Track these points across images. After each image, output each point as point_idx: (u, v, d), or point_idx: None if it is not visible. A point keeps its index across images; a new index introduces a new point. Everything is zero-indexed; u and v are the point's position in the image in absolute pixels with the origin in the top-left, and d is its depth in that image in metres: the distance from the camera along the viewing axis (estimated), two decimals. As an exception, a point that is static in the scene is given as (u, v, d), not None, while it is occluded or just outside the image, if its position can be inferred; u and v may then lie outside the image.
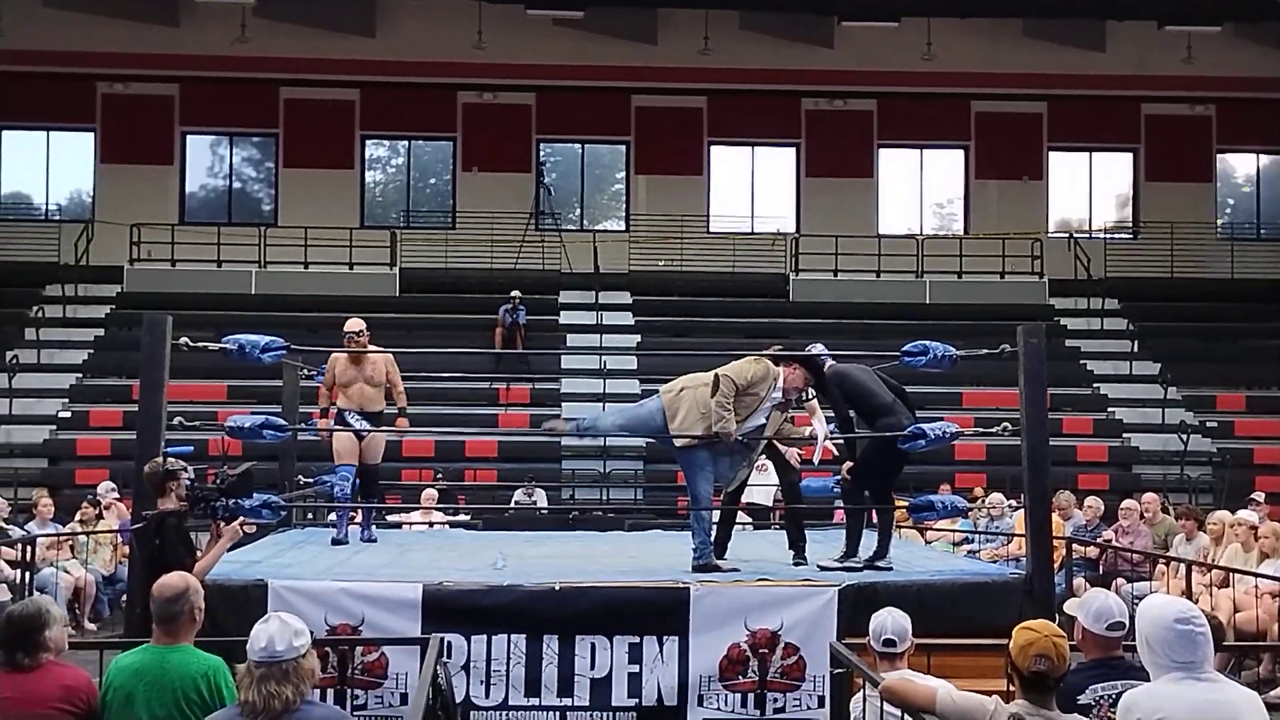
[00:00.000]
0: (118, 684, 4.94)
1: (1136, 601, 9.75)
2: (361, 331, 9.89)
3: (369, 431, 9.79)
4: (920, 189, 26.49)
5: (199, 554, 6.73)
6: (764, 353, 8.52)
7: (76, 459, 18.80)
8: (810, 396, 8.53)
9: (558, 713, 7.22)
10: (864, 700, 5.56)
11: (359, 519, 10.44)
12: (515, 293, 21.69)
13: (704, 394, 8.11)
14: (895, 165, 26.38)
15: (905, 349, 8.66)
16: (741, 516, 10.62)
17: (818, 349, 8.70)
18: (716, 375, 8.03)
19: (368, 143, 26.01)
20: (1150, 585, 10.63)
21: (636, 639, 7.29)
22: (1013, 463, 8.97)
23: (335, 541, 9.72)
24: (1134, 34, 24.76)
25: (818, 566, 8.19)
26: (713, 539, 8.40)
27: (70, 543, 12.59)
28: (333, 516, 10.41)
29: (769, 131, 25.82)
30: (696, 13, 24.23)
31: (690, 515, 8.39)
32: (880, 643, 5.77)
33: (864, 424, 8.42)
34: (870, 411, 8.36)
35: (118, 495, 13.61)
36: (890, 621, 5.79)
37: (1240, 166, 27.52)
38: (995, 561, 11.80)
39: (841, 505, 10.15)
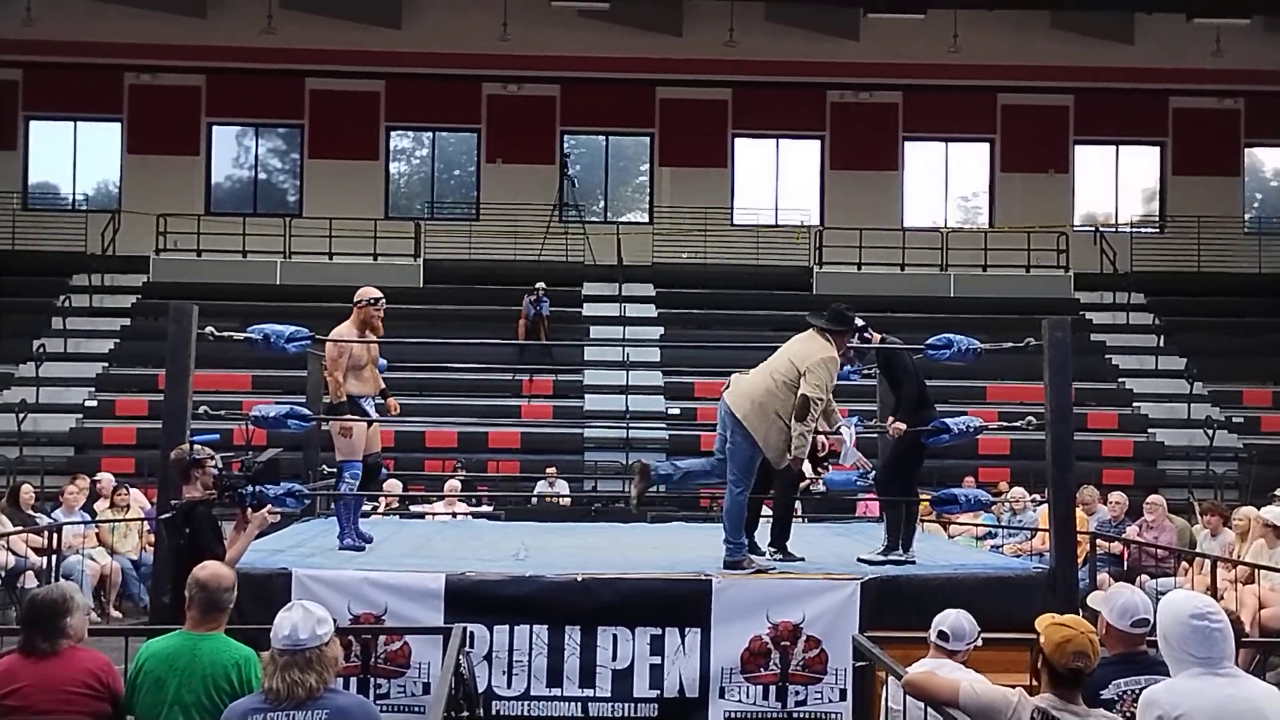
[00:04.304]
0: (149, 668, 4.99)
1: (1161, 597, 9.75)
2: (383, 300, 8.90)
3: (380, 420, 8.91)
4: (945, 182, 26.39)
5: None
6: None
7: (102, 448, 18.93)
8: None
9: (579, 703, 7.23)
10: (887, 691, 5.57)
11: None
12: (539, 284, 21.70)
13: (775, 404, 7.54)
14: (920, 158, 26.28)
15: (929, 342, 8.62)
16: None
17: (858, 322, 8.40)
18: (804, 399, 7.41)
19: (392, 134, 26.07)
20: (1175, 581, 10.57)
21: (658, 630, 7.29)
22: (1037, 457, 8.93)
23: (353, 546, 8.69)
24: (1162, 26, 24.60)
25: (858, 560, 8.15)
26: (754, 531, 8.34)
27: (96, 531, 12.68)
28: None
29: (794, 124, 25.75)
30: (722, 4, 24.16)
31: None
32: (936, 635, 5.80)
33: (903, 408, 8.33)
34: (915, 397, 8.32)
35: (116, 485, 13.67)
36: (954, 618, 5.82)
37: (1268, 160, 27.32)
38: (1018, 556, 11.77)
39: (864, 498, 10.15)
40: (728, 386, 7.79)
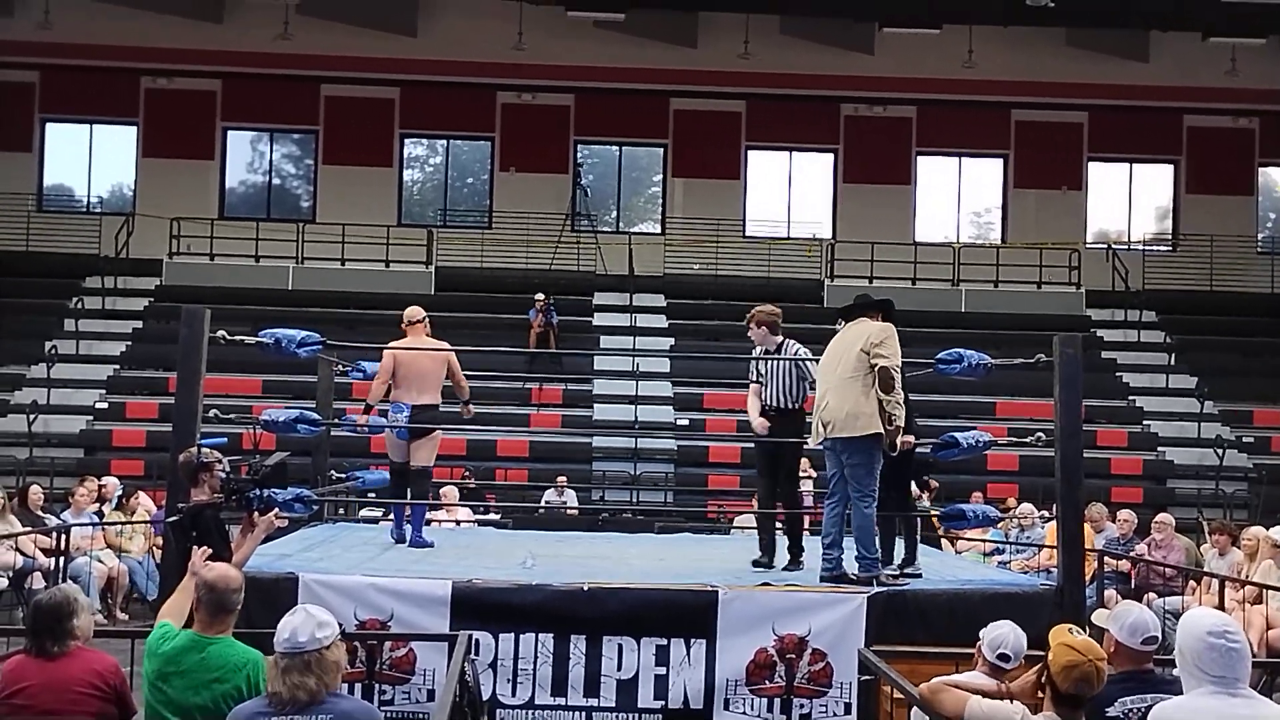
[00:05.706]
0: (156, 667, 4.98)
1: (1168, 616, 9.72)
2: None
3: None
4: (958, 197, 26.38)
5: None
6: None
7: (112, 450, 18.96)
8: None
9: (583, 713, 7.22)
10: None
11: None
12: (539, 295, 21.66)
13: (853, 390, 7.47)
14: (933, 173, 26.27)
15: (939, 357, 8.64)
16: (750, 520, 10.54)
17: None
18: (885, 370, 7.37)
19: (406, 141, 26.13)
20: (1183, 600, 10.55)
21: (664, 641, 7.27)
22: (1045, 474, 8.93)
23: (419, 544, 9.38)
24: (1177, 45, 24.57)
25: (850, 575, 8.11)
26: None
27: (103, 532, 12.69)
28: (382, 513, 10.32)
29: (807, 137, 25.77)
30: (737, 16, 24.20)
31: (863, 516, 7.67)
32: (997, 656, 5.59)
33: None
34: (912, 407, 8.28)
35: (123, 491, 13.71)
36: (1014, 639, 5.59)
37: (1282, 180, 27.29)
38: (1026, 572, 11.73)
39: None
40: (823, 430, 7.66)
